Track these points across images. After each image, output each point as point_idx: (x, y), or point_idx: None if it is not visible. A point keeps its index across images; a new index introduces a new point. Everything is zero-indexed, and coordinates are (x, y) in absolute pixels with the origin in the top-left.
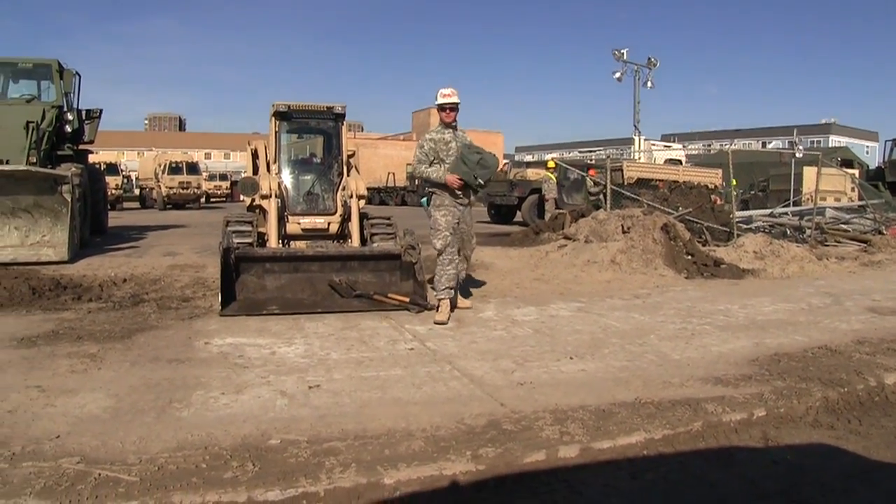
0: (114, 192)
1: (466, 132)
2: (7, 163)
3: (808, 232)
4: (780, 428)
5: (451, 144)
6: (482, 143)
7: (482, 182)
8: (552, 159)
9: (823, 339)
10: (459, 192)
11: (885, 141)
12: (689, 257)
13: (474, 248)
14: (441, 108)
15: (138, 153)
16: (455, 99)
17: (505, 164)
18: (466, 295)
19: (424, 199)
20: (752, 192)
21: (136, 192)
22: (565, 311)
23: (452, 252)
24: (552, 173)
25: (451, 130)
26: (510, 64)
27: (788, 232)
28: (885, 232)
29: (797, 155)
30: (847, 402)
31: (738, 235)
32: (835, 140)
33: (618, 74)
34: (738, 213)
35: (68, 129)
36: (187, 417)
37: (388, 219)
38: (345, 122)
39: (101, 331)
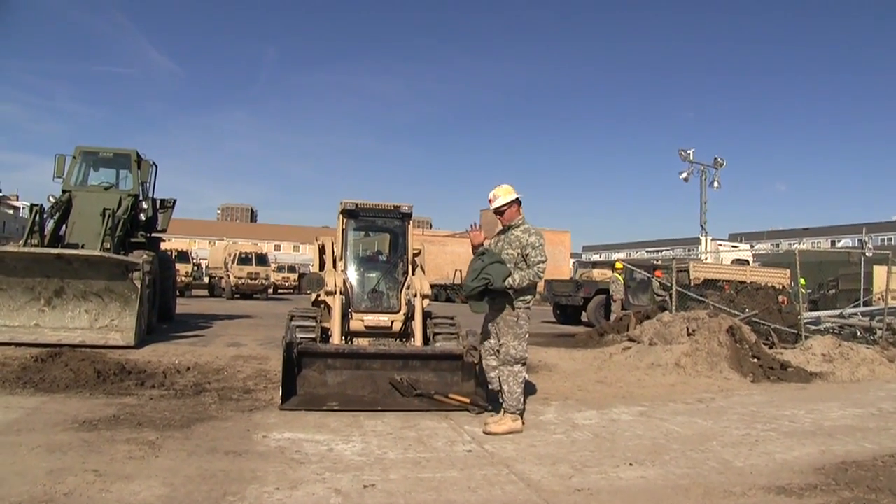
0: (183, 279)
1: (535, 230)
2: (83, 247)
3: (879, 333)
4: None
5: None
6: (550, 243)
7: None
8: (619, 261)
9: (895, 446)
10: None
11: None
12: (756, 360)
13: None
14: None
15: (210, 242)
16: (497, 203)
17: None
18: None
19: None
20: (821, 293)
21: (206, 280)
22: (627, 415)
23: (484, 356)
24: (619, 274)
25: (502, 234)
26: (579, 163)
27: (858, 333)
28: None
29: (867, 254)
30: None
31: (806, 337)
32: None
33: (684, 175)
34: (806, 315)
35: (143, 217)
36: None
37: (452, 318)
38: (411, 221)
39: (161, 418)
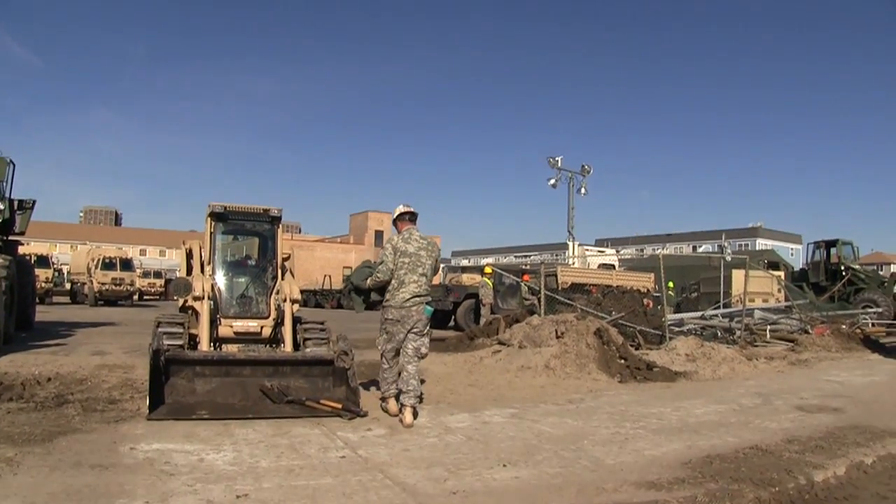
0: (44, 285)
1: (389, 239)
2: None
3: (738, 333)
4: None
5: None
6: None
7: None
8: (488, 265)
9: (754, 439)
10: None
11: (808, 243)
12: (623, 361)
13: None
14: None
15: (72, 246)
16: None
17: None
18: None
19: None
20: (684, 295)
21: (68, 286)
22: (499, 417)
23: None
24: (489, 279)
25: None
26: (449, 168)
27: (719, 333)
28: (810, 331)
29: (726, 258)
30: (779, 501)
31: (671, 338)
32: (761, 243)
33: (552, 181)
34: (670, 316)
35: None
36: None
37: (322, 323)
38: (281, 225)
39: (19, 433)
